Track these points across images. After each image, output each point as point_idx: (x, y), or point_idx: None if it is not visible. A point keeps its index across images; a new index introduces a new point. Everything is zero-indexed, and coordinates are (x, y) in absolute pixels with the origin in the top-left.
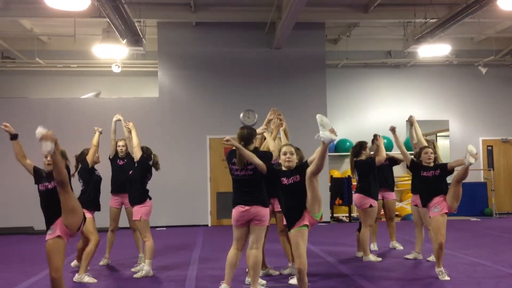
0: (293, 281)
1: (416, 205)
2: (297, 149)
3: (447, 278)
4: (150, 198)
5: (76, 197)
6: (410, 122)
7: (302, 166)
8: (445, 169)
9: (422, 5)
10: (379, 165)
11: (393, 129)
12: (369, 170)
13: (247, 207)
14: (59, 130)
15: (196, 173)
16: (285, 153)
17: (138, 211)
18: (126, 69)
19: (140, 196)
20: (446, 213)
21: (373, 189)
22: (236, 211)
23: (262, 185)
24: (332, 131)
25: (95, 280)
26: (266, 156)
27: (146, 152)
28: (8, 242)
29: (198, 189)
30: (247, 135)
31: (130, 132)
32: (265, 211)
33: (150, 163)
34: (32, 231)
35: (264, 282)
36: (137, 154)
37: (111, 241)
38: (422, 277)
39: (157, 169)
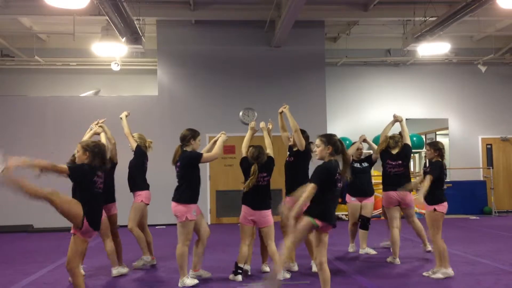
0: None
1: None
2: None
3: (426, 274)
4: (114, 200)
5: (69, 198)
6: (395, 120)
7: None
8: None
9: (422, 3)
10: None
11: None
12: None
13: (172, 203)
14: (58, 128)
15: None
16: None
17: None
18: (126, 67)
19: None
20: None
21: (347, 186)
22: None
23: (188, 182)
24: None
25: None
26: (192, 156)
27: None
28: (8, 240)
29: None
30: (182, 136)
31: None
32: (176, 207)
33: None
34: (32, 229)
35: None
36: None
37: None
38: (420, 274)
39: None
